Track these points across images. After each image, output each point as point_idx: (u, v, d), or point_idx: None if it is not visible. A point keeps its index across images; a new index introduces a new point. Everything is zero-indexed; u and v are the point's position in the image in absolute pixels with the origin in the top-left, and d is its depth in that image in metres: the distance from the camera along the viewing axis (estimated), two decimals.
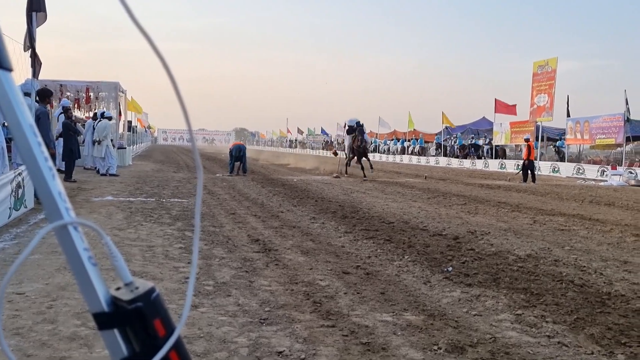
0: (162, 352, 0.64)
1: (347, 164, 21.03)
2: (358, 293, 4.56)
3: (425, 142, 46.50)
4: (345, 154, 21.76)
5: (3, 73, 0.64)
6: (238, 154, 18.60)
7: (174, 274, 4.93)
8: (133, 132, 36.12)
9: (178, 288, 4.47)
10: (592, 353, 3.38)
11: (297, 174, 21.06)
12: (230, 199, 11.27)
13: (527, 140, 23.09)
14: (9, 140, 8.88)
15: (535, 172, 22.14)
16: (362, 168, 19.51)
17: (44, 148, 0.64)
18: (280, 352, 3.22)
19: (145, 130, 61.09)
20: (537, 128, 30.26)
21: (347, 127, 21.69)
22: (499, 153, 35.87)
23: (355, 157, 20.45)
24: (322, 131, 72.27)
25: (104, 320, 0.65)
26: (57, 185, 0.65)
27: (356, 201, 11.48)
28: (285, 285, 4.71)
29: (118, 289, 0.67)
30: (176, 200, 10.67)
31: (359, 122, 20.81)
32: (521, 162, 23.54)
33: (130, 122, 33.10)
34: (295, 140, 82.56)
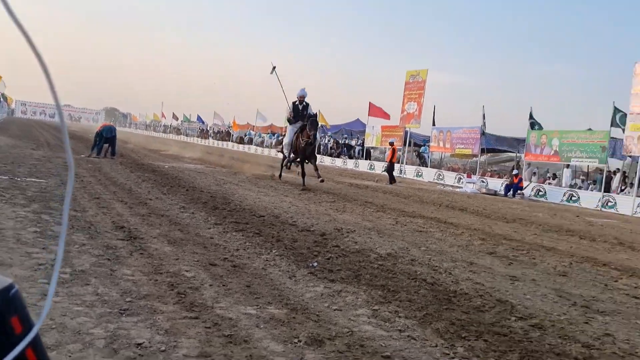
0: (17, 350, 0.62)
1: (287, 166, 16.19)
2: (224, 285, 4.57)
3: None
4: (284, 151, 16.17)
5: None
6: (110, 135, 17.75)
7: (26, 260, 4.60)
8: None
9: (30, 275, 4.18)
10: (437, 346, 3.69)
11: (169, 160, 20.44)
12: (96, 182, 10.69)
13: (391, 143, 24.66)
14: None
15: (395, 174, 23.59)
16: (303, 174, 14.96)
17: None
18: (140, 344, 3.15)
19: (1, 100, 55.66)
20: (406, 133, 32.07)
21: (292, 107, 15.34)
22: (371, 154, 37.47)
23: (298, 158, 15.25)
24: (198, 118, 70.66)
25: None
26: None
27: (228, 193, 11.42)
28: (149, 275, 4.59)
29: None
30: (33, 179, 9.90)
31: (308, 107, 15.16)
32: (383, 164, 25.06)
33: None
34: (170, 125, 79.98)
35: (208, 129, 66.33)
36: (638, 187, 19.89)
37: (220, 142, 58.09)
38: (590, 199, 21.58)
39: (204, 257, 5.46)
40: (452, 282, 5.57)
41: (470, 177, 25.86)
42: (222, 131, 62.19)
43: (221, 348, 3.26)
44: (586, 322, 4.62)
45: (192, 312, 3.81)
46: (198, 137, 66.28)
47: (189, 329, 3.49)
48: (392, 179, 22.51)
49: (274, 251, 6.11)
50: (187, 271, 4.87)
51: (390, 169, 23.10)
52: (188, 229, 6.88)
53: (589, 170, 26.05)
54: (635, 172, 21.02)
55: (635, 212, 19.53)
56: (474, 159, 30.61)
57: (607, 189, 21.84)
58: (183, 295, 4.14)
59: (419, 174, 30.20)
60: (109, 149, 17.85)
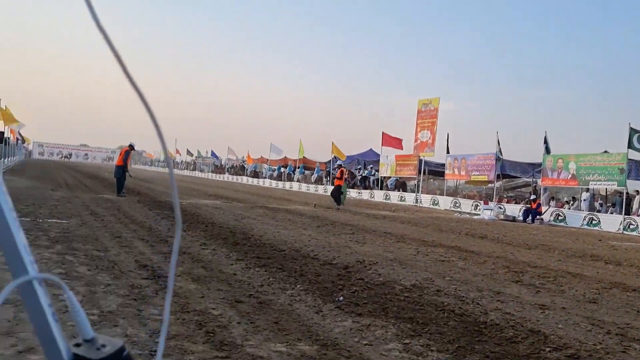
0: None
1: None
2: (251, 322, 4.53)
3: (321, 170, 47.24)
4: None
5: None
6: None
7: (54, 303, 4.59)
8: (5, 144, 33.43)
9: (59, 318, 4.16)
10: None
11: (185, 197, 20.56)
12: (116, 221, 10.75)
13: (339, 166, 24.59)
14: None
15: (407, 203, 23.22)
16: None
17: (8, 197, 0.62)
18: None
19: (17, 142, 56.62)
20: (420, 162, 32.03)
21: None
22: (398, 185, 37.40)
23: None
24: (212, 154, 71.23)
25: None
26: (22, 237, 0.62)
27: (247, 227, 11.42)
28: (177, 314, 4.57)
29: (77, 345, 0.64)
30: (55, 220, 9.99)
31: None
32: (399, 194, 24.46)
33: (2, 133, 30.66)
34: (184, 161, 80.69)
35: (223, 164, 66.71)
36: None
37: (234, 177, 58.31)
38: (611, 222, 21.27)
39: (229, 294, 5.43)
40: (481, 312, 5.48)
41: (488, 204, 25.65)
42: (236, 166, 62.50)
43: None
44: (623, 351, 4.50)
45: (222, 351, 3.77)
46: (212, 172, 66.68)
47: None
48: (337, 201, 22.09)
49: (298, 286, 6.06)
50: (213, 309, 4.84)
51: (336, 192, 22.42)
52: (211, 266, 6.86)
53: (607, 193, 25.75)
54: None
55: None
56: (490, 185, 30.45)
57: (628, 212, 21.53)
58: (212, 334, 4.11)
59: (435, 202, 30.03)
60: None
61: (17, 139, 54.27)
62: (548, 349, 4.39)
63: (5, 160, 32.31)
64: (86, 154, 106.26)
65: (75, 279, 5.50)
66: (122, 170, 18.02)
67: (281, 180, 49.26)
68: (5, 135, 33.98)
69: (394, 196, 32.73)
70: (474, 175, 28.88)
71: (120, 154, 18.94)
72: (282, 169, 52.03)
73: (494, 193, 28.45)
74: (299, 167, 47.92)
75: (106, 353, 0.63)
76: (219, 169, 66.80)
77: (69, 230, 8.81)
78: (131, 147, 18.87)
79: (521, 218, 23.46)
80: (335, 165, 24.10)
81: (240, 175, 58.35)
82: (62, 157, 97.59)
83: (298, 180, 46.09)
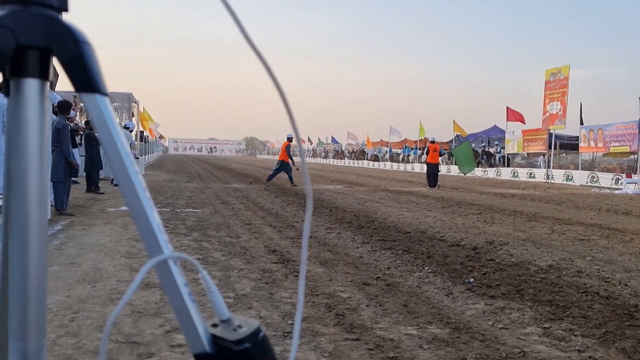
0: None
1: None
2: (380, 305, 4.50)
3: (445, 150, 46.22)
4: None
5: (101, 98, 0.62)
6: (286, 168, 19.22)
7: (194, 286, 4.88)
8: (145, 142, 36.29)
9: (198, 300, 4.42)
10: None
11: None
12: (245, 208, 11.25)
13: (432, 142, 21.15)
14: None
15: (537, 180, 21.50)
16: None
17: (141, 177, 0.61)
18: None
19: (156, 140, 61.37)
20: (550, 136, 30.06)
21: None
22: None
23: None
24: (333, 139, 72.29)
25: None
26: (156, 217, 0.62)
27: (371, 211, 11.42)
28: (306, 297, 4.65)
29: (214, 325, 0.63)
30: (190, 210, 10.66)
31: None
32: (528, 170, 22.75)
33: (142, 132, 33.28)
34: (305, 149, 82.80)
35: (343, 149, 67.48)
36: None
37: (355, 162, 58.71)
38: None
39: (357, 277, 5.44)
40: (630, 294, 5.01)
41: (631, 177, 23.49)
42: (356, 150, 62.91)
43: None
44: None
45: (352, 333, 3.78)
46: (333, 158, 67.70)
47: (352, 351, 3.45)
48: (432, 182, 19.96)
49: (426, 268, 5.94)
50: (342, 292, 4.87)
51: (431, 172, 20.25)
52: (337, 249, 6.93)
53: None
54: None
55: None
56: (633, 156, 27.84)
57: None
58: (341, 317, 4.13)
59: (569, 177, 28.07)
60: (289, 176, 19.21)
61: (156, 137, 58.84)
62: None
63: (146, 156, 35.12)
64: (214, 147, 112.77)
65: (212, 264, 5.81)
66: (287, 164, 19.14)
67: (402, 163, 48.82)
68: (145, 134, 36.93)
69: (522, 173, 31.10)
70: (614, 146, 26.54)
71: (283, 149, 19.69)
72: (403, 151, 51.58)
73: (638, 165, 25.95)
74: (421, 149, 47.19)
75: (243, 334, 0.61)
76: (339, 154, 67.66)
77: (203, 219, 9.35)
78: (289, 139, 19.62)
79: None
80: (430, 141, 21.29)
81: (360, 159, 58.66)
82: (197, 151, 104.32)
83: (420, 162, 45.35)
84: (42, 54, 0.62)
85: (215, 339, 0.61)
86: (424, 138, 46.39)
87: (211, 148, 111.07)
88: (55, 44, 0.61)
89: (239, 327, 0.62)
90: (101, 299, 4.35)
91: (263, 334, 0.63)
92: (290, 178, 19.08)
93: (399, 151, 53.24)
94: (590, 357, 3.46)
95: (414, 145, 49.23)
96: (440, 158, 20.73)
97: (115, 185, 15.78)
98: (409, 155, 49.48)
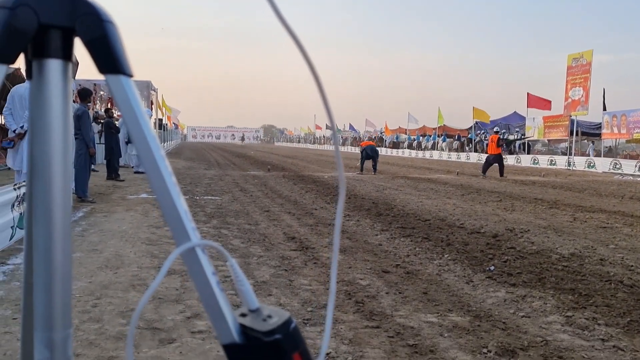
0: None
1: None
2: (400, 293, 4.48)
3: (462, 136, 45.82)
4: None
5: (126, 80, 0.60)
6: (373, 154, 19.39)
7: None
8: (164, 130, 36.54)
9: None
10: None
11: (327, 170, 21.01)
12: (263, 196, 11.27)
13: (496, 132, 21.45)
14: None
15: (560, 167, 21.06)
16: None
17: (168, 162, 0.59)
18: (327, 354, 3.16)
19: (175, 128, 61.76)
20: (572, 122, 29.60)
21: None
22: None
23: None
24: (350, 127, 72.07)
25: (236, 352, 0.58)
26: (183, 204, 0.60)
27: (389, 198, 11.36)
28: (326, 285, 4.65)
29: (243, 315, 0.61)
30: (209, 197, 10.71)
31: None
32: (548, 157, 22.44)
33: (160, 120, 33.50)
34: (323, 136, 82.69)
35: (361, 136, 67.24)
36: None
37: None
38: None
39: (376, 265, 5.42)
40: None
41: None
42: (374, 137, 62.66)
43: (407, 358, 3.16)
44: None
45: (372, 321, 3.76)
46: (351, 145, 67.49)
47: (372, 338, 3.44)
48: (501, 172, 19.73)
49: (445, 255, 5.89)
50: (361, 279, 4.86)
51: (490, 162, 19.95)
52: (356, 237, 6.91)
53: None
54: None
55: None
56: None
57: None
58: (361, 304, 4.12)
59: (591, 164, 27.66)
60: (372, 165, 19.33)
61: (174, 124, 59.16)
62: None
63: (165, 144, 35.40)
64: (233, 134, 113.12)
65: (231, 251, 5.83)
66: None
67: (421, 150, 48.52)
68: (163, 122, 37.17)
69: (543, 160, 30.71)
70: (637, 132, 26.08)
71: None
72: (421, 138, 51.27)
73: None
74: (440, 135, 46.83)
75: (273, 325, 0.58)
76: (357, 141, 67.44)
77: (223, 206, 9.39)
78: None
79: None
80: (493, 130, 21.85)
81: (378, 147, 58.46)
82: (214, 138, 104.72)
83: (441, 149, 45.01)
84: (65, 34, 0.60)
85: (244, 329, 0.59)
86: (442, 125, 46.03)
87: (243, 136, 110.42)
88: (78, 23, 0.59)
89: (269, 317, 0.60)
90: (123, 285, 4.39)
91: (294, 324, 0.60)
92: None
93: (420, 138, 52.85)
94: (614, 346, 3.41)
95: (433, 132, 48.85)
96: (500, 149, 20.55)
97: (137, 172, 15.92)
98: (433, 142, 49.05)
